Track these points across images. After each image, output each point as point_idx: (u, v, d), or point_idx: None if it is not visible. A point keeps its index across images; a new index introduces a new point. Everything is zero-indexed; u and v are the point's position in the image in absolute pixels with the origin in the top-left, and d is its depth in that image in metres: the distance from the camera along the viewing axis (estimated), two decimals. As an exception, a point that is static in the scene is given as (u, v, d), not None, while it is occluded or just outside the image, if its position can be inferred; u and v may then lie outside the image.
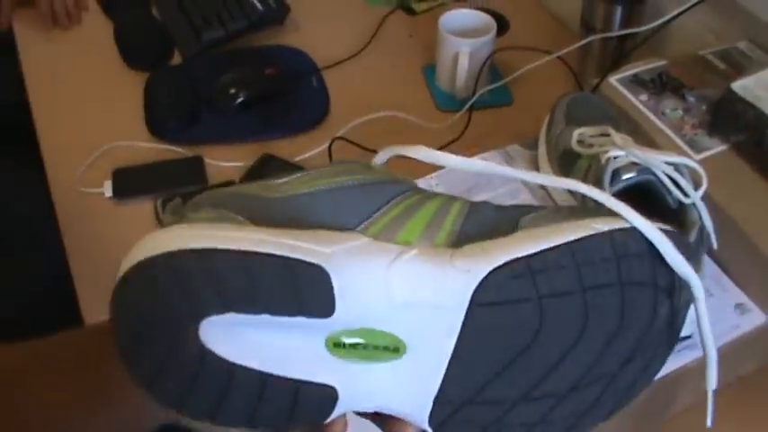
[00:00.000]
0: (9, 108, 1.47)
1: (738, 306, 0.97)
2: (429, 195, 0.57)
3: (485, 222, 0.54)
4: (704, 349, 0.57)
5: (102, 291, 1.13)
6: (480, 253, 0.51)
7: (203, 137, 1.37)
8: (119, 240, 1.20)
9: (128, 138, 1.37)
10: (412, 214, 0.54)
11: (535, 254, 0.51)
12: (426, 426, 0.54)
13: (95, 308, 1.11)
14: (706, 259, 0.97)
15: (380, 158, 0.60)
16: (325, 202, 0.54)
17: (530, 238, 0.52)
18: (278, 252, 0.49)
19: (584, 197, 0.60)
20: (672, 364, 0.91)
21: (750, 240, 0.96)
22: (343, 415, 0.56)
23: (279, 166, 1.30)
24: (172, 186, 1.27)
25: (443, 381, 0.53)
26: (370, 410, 0.55)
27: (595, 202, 0.54)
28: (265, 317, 0.49)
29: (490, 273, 0.50)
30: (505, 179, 1.13)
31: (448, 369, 0.53)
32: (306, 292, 0.49)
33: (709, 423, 0.63)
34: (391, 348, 0.52)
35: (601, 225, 0.52)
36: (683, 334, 0.90)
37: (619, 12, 1.34)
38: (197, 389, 0.51)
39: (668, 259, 0.53)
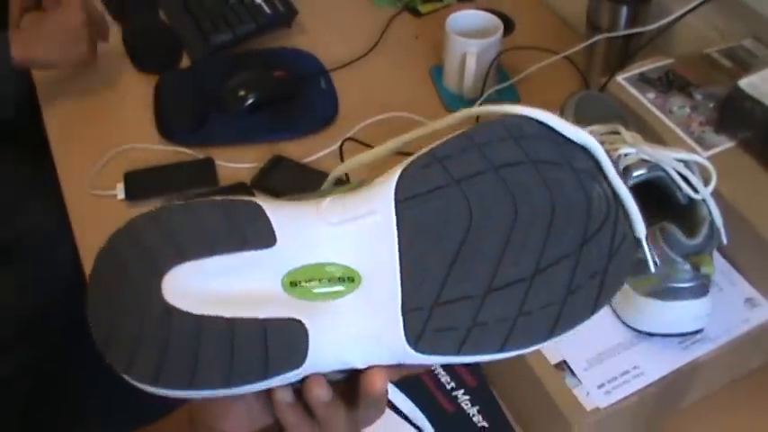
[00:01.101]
0: (21, 113, 1.48)
1: (748, 300, 0.98)
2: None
3: None
4: (624, 202, 0.59)
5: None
6: (391, 169, 0.56)
7: (213, 139, 1.38)
8: (132, 242, 1.21)
9: (139, 140, 1.38)
10: (333, 190, 0.59)
11: (436, 146, 0.56)
12: (405, 344, 0.55)
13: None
14: (716, 254, 0.98)
15: (331, 179, 0.67)
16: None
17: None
18: (214, 198, 0.54)
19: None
20: (682, 358, 0.92)
21: (759, 235, 0.98)
22: (322, 379, 0.57)
23: (289, 167, 1.31)
24: (184, 188, 1.28)
25: (402, 288, 0.55)
26: (347, 361, 0.55)
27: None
28: (218, 260, 0.53)
29: (402, 171, 0.55)
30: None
31: (402, 276, 0.55)
32: (245, 224, 0.54)
33: (652, 269, 0.66)
34: (346, 279, 0.55)
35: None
36: (693, 328, 0.92)
37: (624, 11, 1.35)
38: (170, 353, 0.53)
39: (560, 129, 0.57)
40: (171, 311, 0.52)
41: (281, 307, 0.54)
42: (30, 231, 1.56)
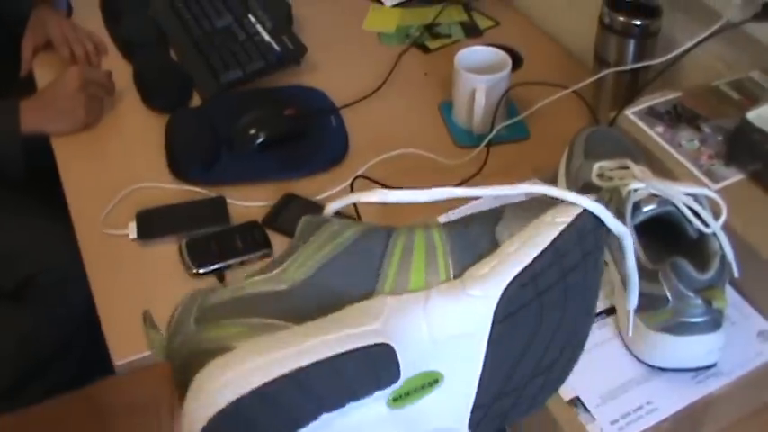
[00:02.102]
0: (33, 152, 1.49)
1: (761, 333, 0.98)
2: (407, 231, 0.61)
3: (466, 244, 0.60)
4: (629, 279, 0.66)
5: (129, 332, 1.15)
6: (487, 276, 0.57)
7: (225, 177, 1.39)
8: (145, 281, 1.22)
9: (150, 179, 1.39)
10: (409, 259, 0.59)
11: (531, 263, 0.57)
12: (466, 430, 0.60)
13: (123, 349, 1.12)
14: (728, 287, 0.98)
15: (334, 208, 0.65)
16: (333, 276, 0.59)
17: (520, 249, 0.58)
18: (354, 346, 0.54)
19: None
20: (695, 392, 0.92)
21: (771, 268, 0.98)
22: None
23: (301, 205, 1.32)
24: (196, 227, 1.28)
25: (477, 391, 0.59)
26: None
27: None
28: (349, 404, 0.54)
29: (503, 292, 0.57)
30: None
31: (480, 381, 0.58)
32: (382, 370, 0.54)
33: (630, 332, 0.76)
34: (432, 381, 0.57)
35: (562, 218, 0.59)
36: (706, 362, 0.92)
37: (631, 45, 1.36)
38: None
39: (609, 224, 0.61)
40: None
41: (385, 426, 0.57)
42: (43, 271, 1.56)
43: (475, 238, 0.60)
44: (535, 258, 0.58)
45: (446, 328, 0.56)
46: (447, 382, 0.58)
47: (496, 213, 0.62)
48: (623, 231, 0.62)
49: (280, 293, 0.58)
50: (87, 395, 0.67)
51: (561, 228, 0.59)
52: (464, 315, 0.57)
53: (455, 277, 0.58)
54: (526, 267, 0.57)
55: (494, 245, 0.59)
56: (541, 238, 0.58)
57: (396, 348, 0.54)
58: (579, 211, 0.60)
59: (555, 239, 0.58)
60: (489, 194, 0.63)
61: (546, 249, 0.58)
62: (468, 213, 0.64)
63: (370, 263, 0.59)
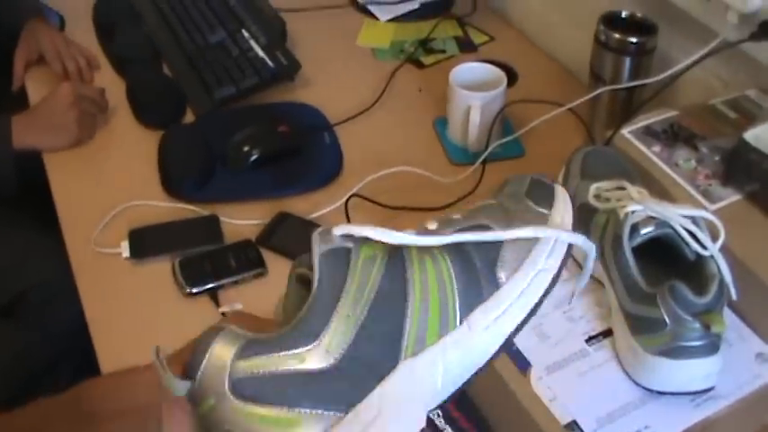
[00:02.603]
0: (25, 168, 1.48)
1: (759, 356, 0.97)
2: (419, 264, 0.64)
3: (471, 284, 0.63)
4: (584, 274, 0.70)
5: (120, 352, 1.14)
6: (492, 327, 0.63)
7: (218, 195, 1.38)
8: (137, 301, 1.21)
9: (143, 197, 1.38)
10: (426, 318, 0.62)
11: (528, 314, 0.64)
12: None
13: (116, 369, 1.11)
14: (726, 310, 0.97)
15: (337, 232, 0.66)
16: (364, 349, 0.61)
17: (517, 302, 0.63)
18: None
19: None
20: (693, 416, 0.91)
21: (769, 290, 0.97)
22: None
23: (295, 224, 1.31)
24: (189, 246, 1.28)
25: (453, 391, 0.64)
26: None
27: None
28: None
29: (505, 340, 0.63)
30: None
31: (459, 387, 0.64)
32: None
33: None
34: None
35: (552, 260, 0.64)
36: (704, 386, 0.91)
37: (627, 63, 1.36)
38: None
39: (583, 246, 0.66)
40: None
41: None
42: (36, 286, 1.55)
43: (478, 275, 0.64)
44: (530, 312, 0.64)
45: (456, 372, 0.62)
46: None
47: (496, 246, 0.64)
48: (590, 246, 0.67)
49: (321, 374, 0.60)
50: (74, 398, 0.67)
51: (553, 274, 0.64)
52: (471, 360, 0.62)
53: (461, 321, 0.62)
54: (524, 318, 0.63)
55: (494, 285, 0.63)
56: (537, 288, 0.64)
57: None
58: (566, 247, 0.65)
59: (547, 288, 0.64)
60: (499, 238, 0.65)
61: (540, 299, 0.64)
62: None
63: (394, 324, 0.62)
